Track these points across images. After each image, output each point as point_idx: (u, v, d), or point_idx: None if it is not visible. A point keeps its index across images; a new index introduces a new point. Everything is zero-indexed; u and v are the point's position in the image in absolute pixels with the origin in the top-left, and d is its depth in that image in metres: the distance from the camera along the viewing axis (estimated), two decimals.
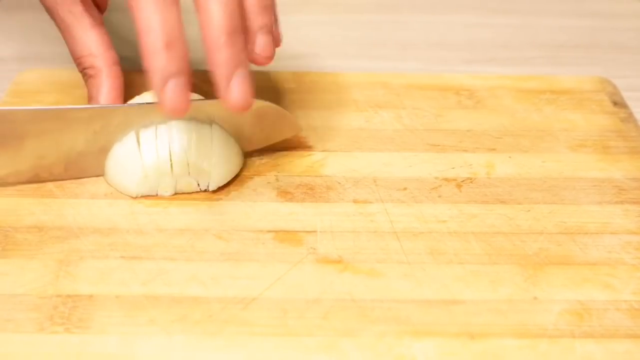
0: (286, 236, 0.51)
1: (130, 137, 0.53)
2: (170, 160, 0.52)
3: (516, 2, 0.81)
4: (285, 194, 0.54)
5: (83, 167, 0.54)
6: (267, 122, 0.56)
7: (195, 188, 0.53)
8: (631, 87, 0.66)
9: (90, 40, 0.55)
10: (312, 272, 0.48)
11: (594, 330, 0.45)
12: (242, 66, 0.47)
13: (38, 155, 0.52)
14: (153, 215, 0.52)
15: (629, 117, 0.62)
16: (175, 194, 0.53)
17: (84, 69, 0.55)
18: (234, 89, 0.47)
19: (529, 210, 0.53)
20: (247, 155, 0.57)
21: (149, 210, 0.52)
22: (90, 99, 0.56)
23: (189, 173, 0.53)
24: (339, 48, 0.73)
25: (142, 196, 0.53)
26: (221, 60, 0.47)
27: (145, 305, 0.46)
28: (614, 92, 0.64)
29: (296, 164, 0.56)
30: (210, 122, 0.54)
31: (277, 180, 0.55)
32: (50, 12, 0.55)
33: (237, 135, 0.55)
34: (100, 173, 0.54)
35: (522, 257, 0.50)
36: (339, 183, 0.55)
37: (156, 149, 0.52)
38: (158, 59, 0.46)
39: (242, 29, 0.48)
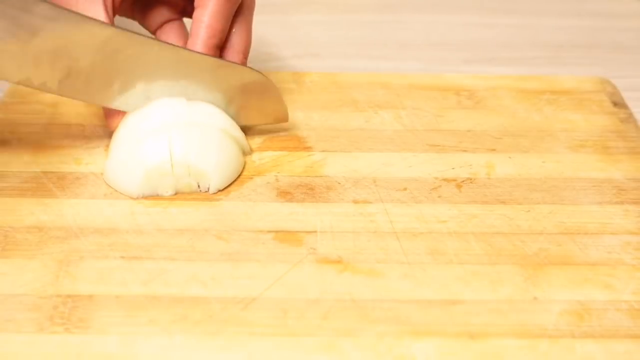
0: (286, 236, 0.51)
1: (131, 138, 0.53)
2: (171, 161, 0.52)
3: (516, 2, 0.81)
4: (285, 194, 0.54)
5: (77, 87, 0.53)
6: (258, 98, 0.57)
7: (195, 189, 0.53)
8: (631, 87, 0.66)
9: None
10: (312, 272, 0.48)
11: (594, 330, 0.45)
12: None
13: (41, 58, 0.51)
14: (153, 215, 0.52)
15: (629, 117, 0.62)
16: (176, 194, 0.53)
17: None
18: None
19: (529, 211, 0.53)
20: (247, 155, 0.57)
21: (149, 210, 0.52)
22: None
23: (189, 174, 0.53)
24: (339, 48, 0.73)
25: (143, 197, 0.53)
26: None
27: (145, 305, 0.46)
28: (614, 92, 0.64)
29: (296, 164, 0.56)
30: (212, 124, 0.54)
31: (277, 180, 0.55)
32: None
33: (229, 106, 0.56)
34: (90, 101, 0.54)
35: (522, 257, 0.50)
36: (339, 183, 0.55)
37: (157, 149, 0.52)
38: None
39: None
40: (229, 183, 0.54)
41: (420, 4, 0.80)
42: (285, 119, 0.58)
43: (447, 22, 0.78)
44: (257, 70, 0.56)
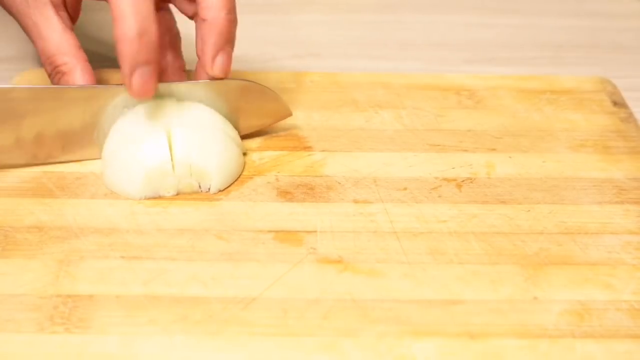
0: (286, 236, 0.51)
1: (128, 140, 0.53)
2: (173, 160, 0.52)
3: (516, 2, 0.81)
4: (285, 194, 0.54)
5: (80, 148, 0.55)
6: (255, 104, 0.57)
7: (196, 189, 0.53)
8: (631, 87, 0.66)
9: (62, 39, 0.55)
10: (312, 272, 0.48)
11: (594, 330, 0.45)
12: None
13: (36, 135, 0.53)
14: (153, 215, 0.52)
15: (629, 117, 0.62)
16: (178, 194, 0.53)
17: (56, 67, 0.55)
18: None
19: (529, 210, 0.53)
20: (247, 155, 0.57)
21: (149, 210, 0.52)
22: None
23: (191, 174, 0.53)
24: (339, 48, 0.73)
25: (145, 198, 0.53)
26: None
27: (145, 305, 0.46)
28: (614, 92, 0.64)
29: (296, 164, 0.56)
30: (213, 126, 0.54)
31: (277, 180, 0.55)
32: (19, 15, 0.56)
33: (230, 118, 0.56)
34: (97, 156, 0.55)
35: (523, 257, 0.50)
36: (339, 183, 0.55)
37: (158, 149, 0.52)
38: (129, 46, 0.50)
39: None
40: (230, 183, 0.54)
41: (420, 4, 0.80)
42: (288, 113, 0.58)
43: (447, 22, 0.78)
44: (241, 79, 0.56)
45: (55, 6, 0.55)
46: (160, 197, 0.53)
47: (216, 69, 0.54)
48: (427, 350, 0.44)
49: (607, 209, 0.53)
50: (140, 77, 0.50)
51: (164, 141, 0.52)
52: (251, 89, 0.56)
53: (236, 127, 0.56)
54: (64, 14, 0.56)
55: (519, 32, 0.76)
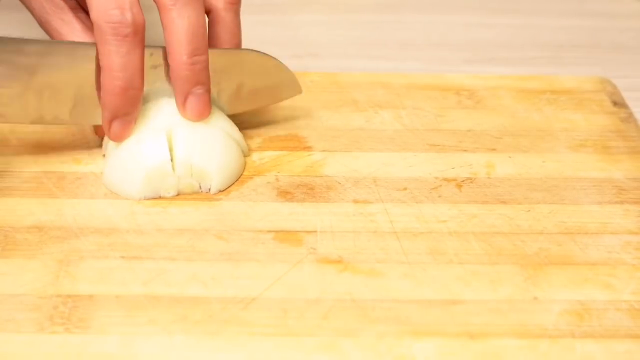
0: (286, 236, 0.51)
1: (129, 139, 0.53)
2: (173, 161, 0.52)
3: (516, 2, 0.81)
4: (285, 194, 0.54)
5: (88, 112, 0.54)
6: (268, 78, 0.57)
7: (196, 190, 0.53)
8: (631, 87, 0.66)
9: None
10: (312, 272, 0.48)
11: (594, 330, 0.45)
12: (201, 84, 0.52)
13: (47, 91, 0.52)
14: (153, 215, 0.52)
15: (629, 117, 0.62)
16: (178, 194, 0.53)
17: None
18: (190, 105, 0.53)
19: (529, 210, 0.53)
20: (247, 155, 0.57)
21: (149, 210, 0.52)
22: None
23: (191, 175, 0.53)
24: (339, 48, 0.73)
25: (145, 198, 0.53)
26: (181, 77, 0.52)
27: (145, 305, 0.46)
28: (614, 92, 0.64)
29: (296, 164, 0.56)
30: (214, 125, 0.54)
31: (277, 180, 0.55)
32: (42, 22, 0.55)
33: (238, 92, 0.56)
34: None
35: (522, 257, 0.50)
36: (339, 183, 0.55)
37: (158, 149, 0.52)
38: (112, 100, 0.51)
39: (205, 49, 0.52)
40: (231, 183, 0.54)
41: (420, 4, 0.80)
42: (298, 90, 0.59)
43: (447, 22, 0.78)
44: (252, 50, 0.56)
45: (72, 9, 0.55)
46: (160, 198, 0.53)
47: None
48: (427, 350, 0.44)
49: (607, 209, 0.53)
50: (119, 126, 0.52)
51: (164, 141, 0.52)
52: (266, 63, 0.56)
53: (245, 102, 0.57)
54: (83, 15, 0.55)
55: (519, 32, 0.76)
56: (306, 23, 0.76)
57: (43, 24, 0.55)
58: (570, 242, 0.51)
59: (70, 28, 0.55)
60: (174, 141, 0.52)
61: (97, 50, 0.51)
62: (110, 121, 0.52)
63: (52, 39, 0.55)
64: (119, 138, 0.53)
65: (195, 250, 0.50)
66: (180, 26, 0.51)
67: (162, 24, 0.52)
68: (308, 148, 0.58)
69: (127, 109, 0.52)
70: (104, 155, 0.55)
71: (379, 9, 0.79)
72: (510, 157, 0.58)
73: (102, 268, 0.48)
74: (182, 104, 0.53)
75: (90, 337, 0.44)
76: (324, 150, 0.58)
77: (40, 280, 0.47)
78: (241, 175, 0.55)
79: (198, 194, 0.54)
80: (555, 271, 0.49)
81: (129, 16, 0.50)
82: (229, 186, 0.54)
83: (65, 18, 0.55)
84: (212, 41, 0.55)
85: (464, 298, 0.47)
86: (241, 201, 0.53)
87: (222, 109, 0.56)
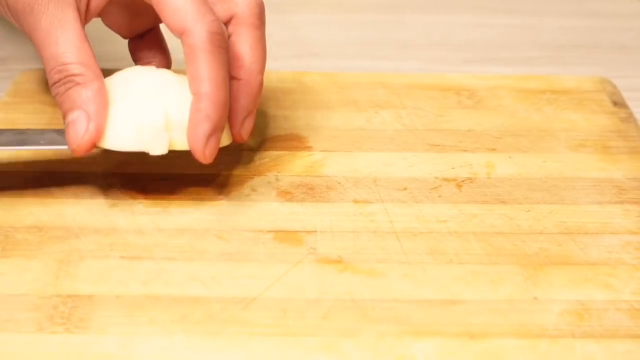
0: (286, 236, 0.51)
1: (120, 97, 0.50)
2: (166, 117, 0.50)
3: (516, 2, 0.81)
4: (285, 194, 0.54)
5: None
6: None
7: (185, 147, 0.51)
8: (631, 87, 0.66)
9: (81, 48, 0.50)
10: (312, 272, 0.48)
11: (594, 330, 0.45)
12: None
13: None
14: (153, 215, 0.52)
15: (629, 117, 0.62)
16: (168, 152, 0.51)
17: (70, 75, 0.49)
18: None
19: (529, 210, 0.53)
20: (247, 155, 0.57)
21: (149, 210, 0.52)
22: (69, 110, 0.50)
23: (182, 130, 0.50)
24: (339, 48, 0.73)
25: (132, 150, 0.50)
26: (251, 95, 0.53)
27: (145, 305, 0.46)
28: (614, 92, 0.65)
29: (296, 164, 0.56)
30: None
31: (277, 180, 0.55)
32: (22, 15, 0.50)
33: None
34: None
35: (522, 257, 0.50)
36: (339, 183, 0.55)
37: (152, 106, 0.50)
38: (218, 112, 0.49)
39: (226, 99, 0.50)
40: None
41: (420, 4, 0.80)
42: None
43: (447, 22, 0.78)
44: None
45: (75, 8, 0.51)
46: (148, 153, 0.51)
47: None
48: (427, 350, 0.44)
49: (607, 209, 0.53)
50: (215, 141, 0.50)
51: (159, 99, 0.50)
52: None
53: None
54: (78, 15, 0.51)
55: (519, 32, 0.76)
56: (306, 23, 0.77)
57: (22, 15, 0.51)
58: (570, 242, 0.51)
59: (68, 28, 0.50)
60: (167, 99, 0.50)
61: (190, 59, 0.49)
62: (209, 136, 0.49)
63: (35, 37, 0.50)
64: (211, 157, 0.50)
65: (195, 250, 0.50)
66: (263, 47, 0.54)
67: (242, 39, 0.53)
68: (308, 148, 0.58)
69: (224, 123, 0.51)
70: None
71: (379, 9, 0.79)
72: (510, 157, 0.58)
73: (102, 268, 0.48)
74: (240, 121, 0.53)
75: (90, 337, 0.44)
76: (324, 150, 0.58)
77: (40, 280, 0.47)
78: (240, 171, 0.55)
79: (198, 193, 0.53)
80: (555, 271, 0.49)
81: (223, 27, 0.50)
82: (228, 183, 0.54)
83: (65, 16, 0.50)
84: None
85: (464, 298, 0.47)
86: (241, 201, 0.53)
87: None
